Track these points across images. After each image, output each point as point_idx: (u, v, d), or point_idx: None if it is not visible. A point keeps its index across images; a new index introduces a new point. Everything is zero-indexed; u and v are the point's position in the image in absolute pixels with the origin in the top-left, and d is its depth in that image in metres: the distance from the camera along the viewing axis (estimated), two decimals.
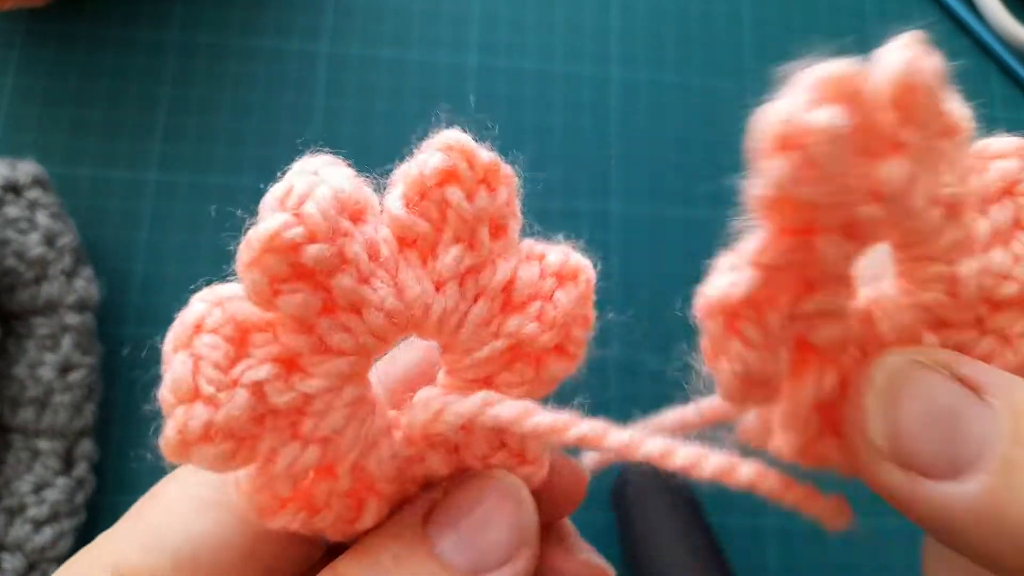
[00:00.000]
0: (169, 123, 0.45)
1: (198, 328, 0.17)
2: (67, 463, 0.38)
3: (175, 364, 0.17)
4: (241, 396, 0.17)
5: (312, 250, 0.16)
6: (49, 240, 0.38)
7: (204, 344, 0.17)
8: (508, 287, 0.19)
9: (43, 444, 0.37)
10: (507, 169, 0.19)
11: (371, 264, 0.17)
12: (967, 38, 0.52)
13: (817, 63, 0.16)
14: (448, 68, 0.48)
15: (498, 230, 0.19)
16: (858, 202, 0.16)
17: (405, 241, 0.18)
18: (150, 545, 0.19)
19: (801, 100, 0.16)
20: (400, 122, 0.46)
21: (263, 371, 0.17)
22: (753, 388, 0.17)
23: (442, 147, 0.18)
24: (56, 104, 0.44)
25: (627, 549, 0.41)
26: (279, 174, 0.19)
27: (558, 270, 0.19)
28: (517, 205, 0.19)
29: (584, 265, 0.20)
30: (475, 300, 0.18)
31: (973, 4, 0.52)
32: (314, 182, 0.17)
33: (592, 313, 0.20)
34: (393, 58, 0.47)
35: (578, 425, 0.19)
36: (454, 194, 0.18)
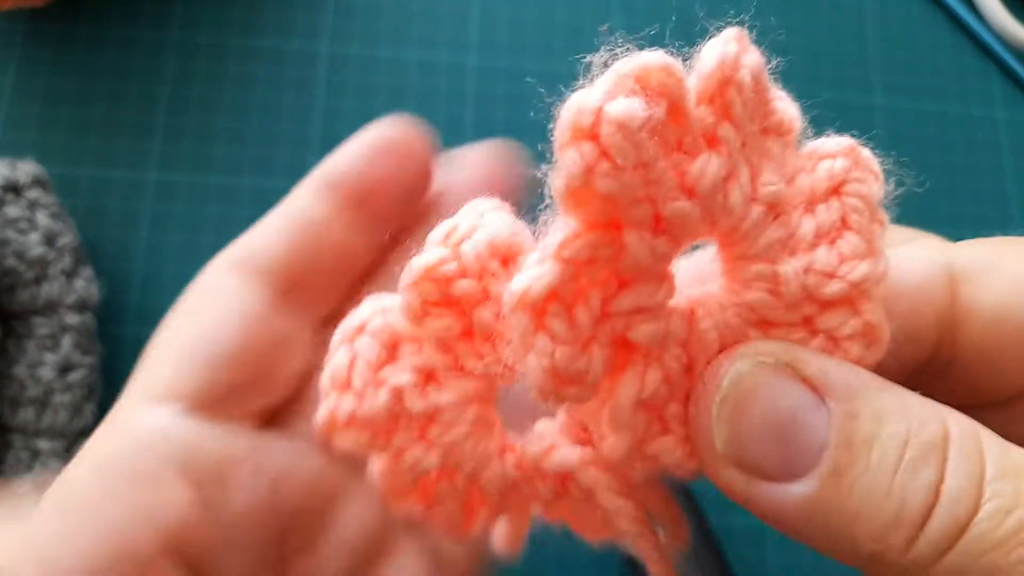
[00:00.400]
0: (169, 123, 0.45)
1: (361, 328, 0.20)
2: (67, 463, 0.38)
3: (338, 355, 0.20)
4: (383, 395, 0.19)
5: (461, 284, 0.18)
6: (49, 240, 0.38)
7: (363, 343, 0.20)
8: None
9: (43, 444, 0.37)
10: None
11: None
12: (967, 38, 0.52)
13: (632, 52, 0.16)
14: (448, 68, 0.48)
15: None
16: (668, 197, 0.16)
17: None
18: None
19: (602, 90, 0.15)
20: None
21: (405, 377, 0.19)
22: (564, 384, 0.17)
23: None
24: (56, 104, 0.44)
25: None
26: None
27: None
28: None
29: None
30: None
31: (973, 4, 0.52)
32: (475, 226, 0.19)
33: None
34: (393, 58, 0.47)
35: (633, 524, 0.20)
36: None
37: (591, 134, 0.15)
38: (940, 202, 0.49)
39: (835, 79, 0.51)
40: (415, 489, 0.20)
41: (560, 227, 0.17)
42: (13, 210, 0.38)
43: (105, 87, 0.45)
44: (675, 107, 0.16)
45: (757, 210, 0.18)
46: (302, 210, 0.25)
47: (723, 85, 0.17)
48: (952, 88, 0.52)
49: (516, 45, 0.49)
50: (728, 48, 0.17)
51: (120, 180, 0.43)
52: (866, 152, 0.19)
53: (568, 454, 0.20)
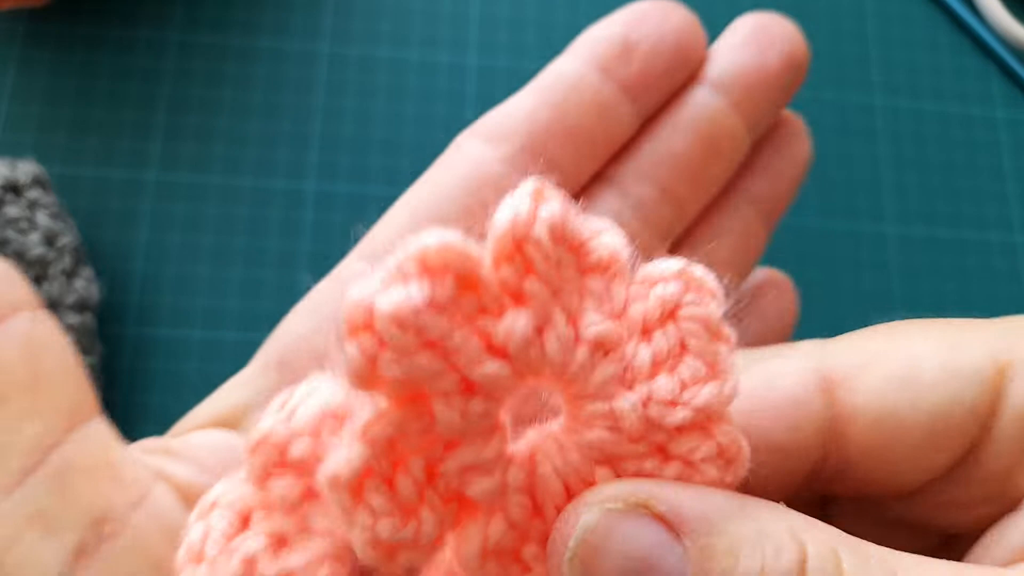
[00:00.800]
0: (169, 123, 0.45)
1: (214, 504, 0.20)
2: None
3: (193, 531, 0.20)
4: (235, 562, 0.19)
5: (297, 446, 0.19)
6: (49, 240, 0.38)
7: (215, 516, 0.20)
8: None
9: None
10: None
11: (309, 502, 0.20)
12: (967, 38, 0.52)
13: (417, 240, 0.16)
14: (448, 68, 0.48)
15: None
16: (473, 363, 0.16)
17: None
18: None
19: (377, 281, 0.16)
20: (400, 122, 0.46)
21: (256, 543, 0.20)
22: (395, 552, 0.17)
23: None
24: (56, 104, 0.44)
25: None
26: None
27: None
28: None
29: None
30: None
31: (973, 4, 0.52)
32: (310, 392, 0.20)
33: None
34: (393, 58, 0.47)
35: None
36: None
37: (367, 326, 0.16)
38: (940, 202, 0.49)
39: (835, 79, 0.51)
40: None
41: (365, 406, 0.17)
42: (13, 210, 0.38)
43: (105, 87, 0.45)
44: (465, 279, 0.16)
45: (582, 351, 0.17)
46: (558, 72, 0.25)
47: (518, 244, 0.17)
48: (952, 88, 0.52)
49: (516, 45, 0.49)
50: (520, 207, 0.17)
51: (120, 180, 0.43)
52: (698, 271, 0.19)
53: None
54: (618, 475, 0.18)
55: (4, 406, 0.18)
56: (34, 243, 0.38)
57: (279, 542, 0.20)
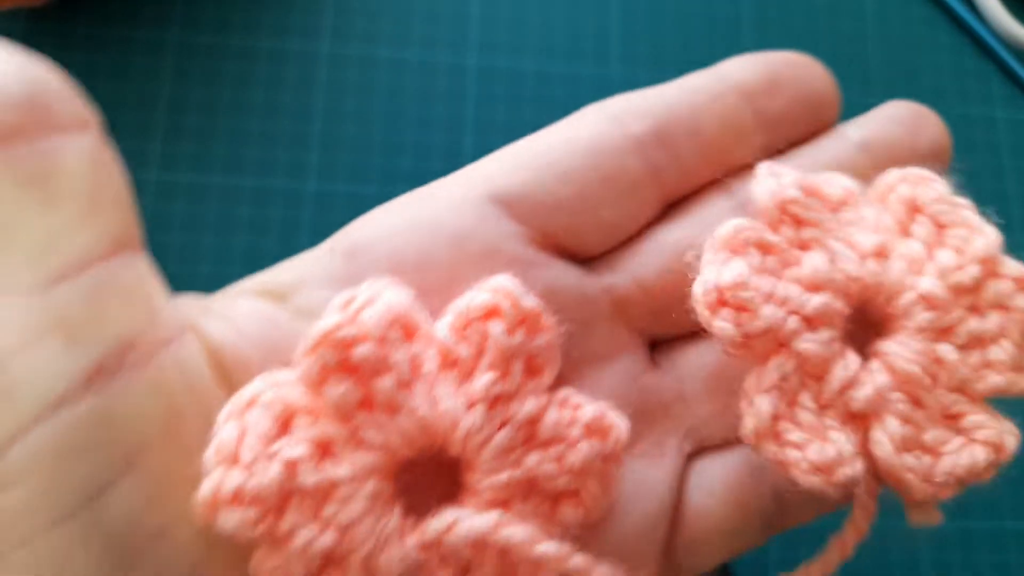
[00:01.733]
0: (169, 123, 0.45)
1: (252, 402, 0.19)
2: None
3: (224, 430, 0.19)
4: (275, 469, 0.18)
5: (360, 349, 0.19)
6: None
7: (253, 416, 0.19)
8: (534, 422, 0.20)
9: None
10: (550, 320, 0.21)
11: (412, 375, 0.20)
12: (967, 38, 0.52)
13: (717, 230, 0.22)
14: (448, 68, 0.48)
15: (533, 371, 0.21)
16: (803, 302, 0.21)
17: (447, 363, 0.20)
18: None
19: (706, 268, 0.21)
20: (400, 122, 0.46)
21: (299, 450, 0.19)
22: (832, 471, 0.20)
23: (490, 288, 0.21)
24: None
25: None
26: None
27: (589, 422, 0.21)
28: (557, 352, 0.21)
29: (617, 426, 0.21)
30: (501, 427, 0.20)
31: (973, 4, 0.52)
32: (375, 296, 0.20)
33: (615, 474, 0.21)
34: (393, 58, 0.47)
35: (575, 558, 0.20)
36: (494, 327, 0.20)
37: (720, 303, 0.20)
38: None
39: (836, 79, 0.51)
40: None
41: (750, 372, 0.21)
42: None
43: (105, 87, 0.45)
44: (764, 245, 0.22)
45: (869, 262, 0.22)
46: (700, 83, 0.25)
47: (783, 209, 0.22)
48: (952, 88, 0.52)
49: (516, 45, 0.49)
50: (770, 182, 0.22)
51: None
52: (909, 169, 0.23)
53: (477, 521, 0.19)
54: (954, 344, 0.21)
55: (59, 210, 0.17)
56: None
57: (324, 450, 0.19)
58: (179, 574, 0.18)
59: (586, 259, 0.24)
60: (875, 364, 0.21)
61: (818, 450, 0.20)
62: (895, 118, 0.27)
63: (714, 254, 0.21)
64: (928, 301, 0.21)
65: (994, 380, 0.21)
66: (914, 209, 0.22)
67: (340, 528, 0.19)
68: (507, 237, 0.23)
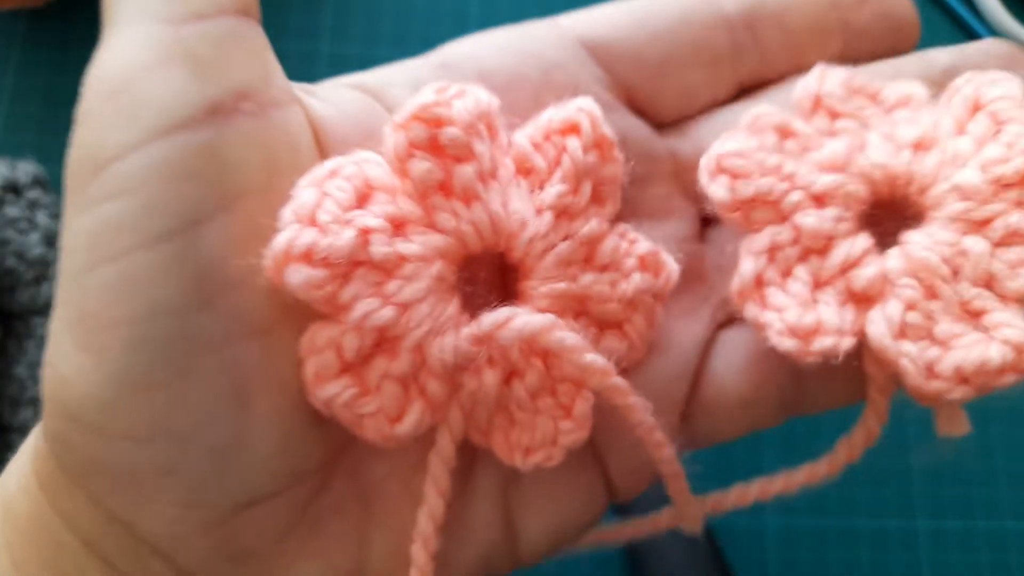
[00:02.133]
0: None
1: (333, 173, 0.19)
2: None
3: (304, 194, 0.19)
4: (348, 234, 0.19)
5: (450, 131, 0.19)
6: (49, 240, 0.38)
7: (334, 185, 0.19)
8: (594, 243, 0.21)
9: None
10: (620, 154, 0.22)
11: (491, 171, 0.20)
12: (967, 38, 0.53)
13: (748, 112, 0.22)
14: None
15: (598, 198, 0.22)
16: (812, 180, 0.21)
17: (522, 170, 0.21)
18: None
19: (722, 140, 0.22)
20: None
21: (374, 221, 0.19)
22: (811, 337, 0.20)
23: (575, 106, 0.21)
24: (56, 104, 0.44)
25: (628, 547, 0.41)
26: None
27: (644, 256, 0.22)
28: (619, 188, 0.22)
29: (670, 265, 0.22)
30: (564, 239, 0.21)
31: (973, 4, 0.52)
32: (468, 91, 0.20)
33: (660, 314, 0.22)
34: (392, 58, 0.47)
35: (615, 378, 0.20)
36: (572, 142, 0.21)
37: (720, 170, 0.22)
38: None
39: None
40: (350, 368, 0.19)
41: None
42: (13, 210, 0.38)
43: None
44: (783, 130, 0.22)
45: (905, 152, 0.22)
46: None
47: (816, 102, 0.23)
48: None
49: None
50: (808, 80, 0.23)
51: None
52: (979, 73, 0.22)
53: (532, 319, 0.19)
54: (988, 239, 0.20)
55: None
56: (34, 243, 0.38)
57: (398, 226, 0.19)
58: (249, 327, 0.19)
59: (658, 122, 0.25)
60: (893, 251, 0.21)
61: (797, 315, 0.20)
62: (990, 52, 0.26)
63: (735, 133, 0.22)
64: (962, 191, 0.20)
65: None
66: (975, 107, 0.22)
67: (400, 305, 0.19)
68: (592, 79, 0.24)
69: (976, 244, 0.20)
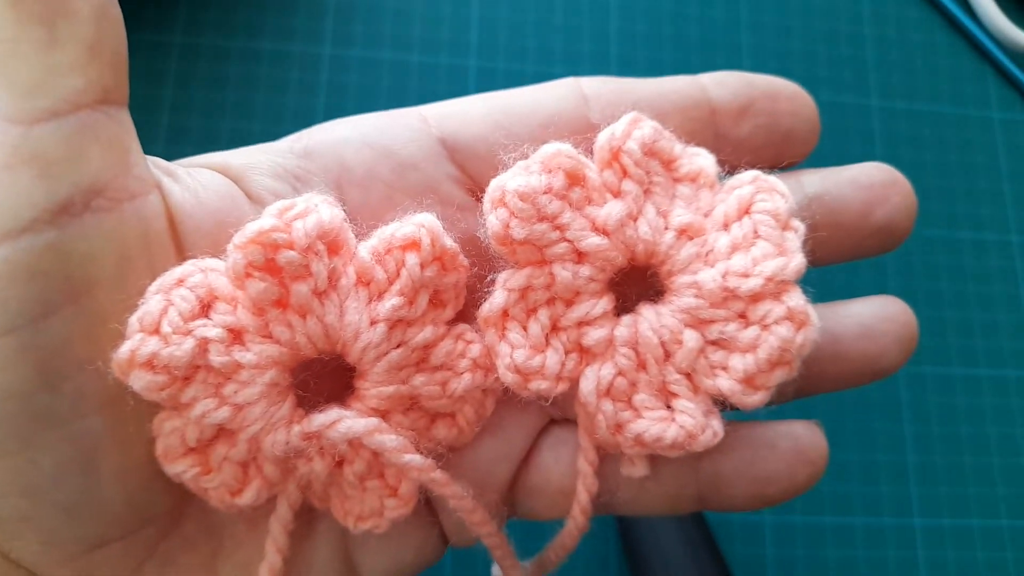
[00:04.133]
0: (172, 125, 0.45)
1: (180, 281, 0.21)
2: None
3: (152, 301, 0.21)
4: (188, 345, 0.20)
5: (286, 255, 0.21)
6: None
7: (179, 295, 0.21)
8: (428, 348, 0.23)
9: None
10: (464, 261, 0.23)
11: (328, 285, 0.22)
12: (963, 40, 0.53)
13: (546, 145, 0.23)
14: (448, 70, 0.48)
15: (438, 303, 0.23)
16: (581, 237, 0.23)
17: (362, 281, 0.22)
18: None
19: (509, 174, 0.23)
20: None
21: (213, 332, 0.21)
22: (528, 377, 0.23)
23: (415, 222, 0.23)
24: None
25: (627, 544, 0.41)
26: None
27: (477, 358, 0.24)
28: (462, 292, 0.24)
29: (502, 365, 0.24)
30: (397, 346, 0.22)
31: (969, 6, 0.53)
32: (311, 209, 0.22)
33: (489, 407, 0.25)
34: (394, 60, 0.48)
35: (436, 472, 0.23)
36: (411, 258, 0.22)
37: (501, 202, 0.22)
38: (937, 203, 0.50)
39: (832, 81, 0.51)
40: (195, 449, 0.21)
41: (507, 270, 0.24)
42: None
43: None
44: (574, 176, 0.23)
45: (670, 234, 0.23)
46: (678, 81, 0.26)
47: (614, 155, 0.23)
48: (948, 90, 0.52)
49: (515, 48, 0.49)
50: (618, 127, 0.24)
51: None
52: (771, 178, 0.24)
53: (356, 423, 0.22)
54: (704, 337, 0.23)
55: (60, 52, 0.19)
56: None
57: (235, 337, 0.21)
58: (95, 403, 0.20)
59: None
60: (627, 318, 0.24)
61: (524, 356, 0.23)
62: (862, 179, 0.26)
63: (525, 165, 0.23)
64: (699, 290, 0.23)
65: (721, 383, 0.23)
66: (745, 210, 0.23)
67: (235, 406, 0.21)
68: (445, 177, 0.25)
69: (691, 339, 0.23)
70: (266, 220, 0.21)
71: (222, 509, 0.22)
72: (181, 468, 0.21)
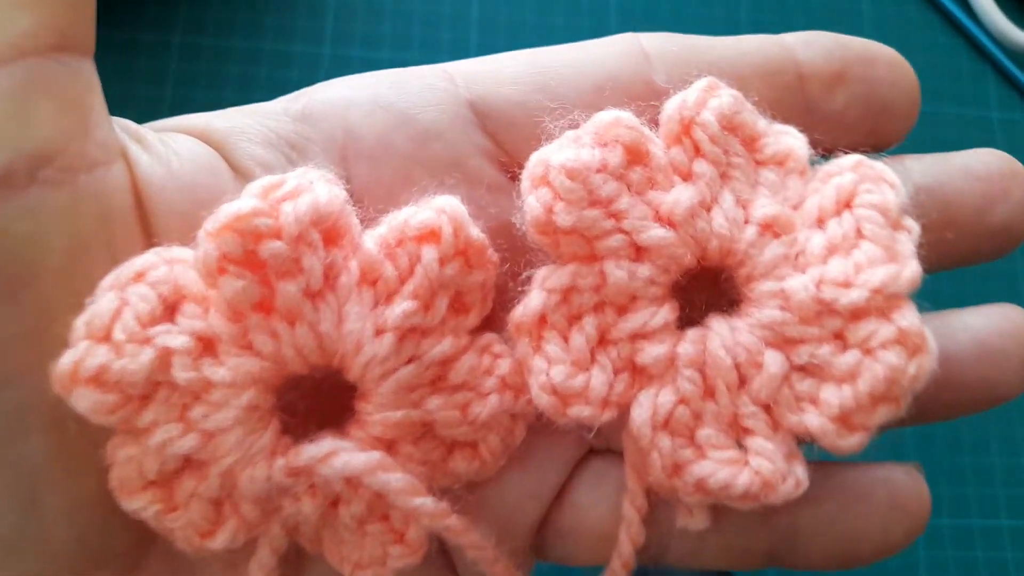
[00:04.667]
0: None
1: (139, 276, 0.17)
2: None
3: (103, 300, 0.16)
4: (146, 356, 0.16)
5: (271, 246, 0.16)
6: None
7: (137, 293, 0.16)
8: (446, 364, 0.18)
9: None
10: (493, 256, 0.19)
11: (323, 284, 0.17)
12: (963, 40, 0.53)
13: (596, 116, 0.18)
14: None
15: (460, 308, 0.19)
16: (641, 228, 0.18)
17: (367, 279, 0.18)
18: None
19: (556, 146, 0.18)
20: None
21: (178, 341, 0.16)
22: (568, 401, 0.18)
23: (435, 207, 0.18)
24: None
25: None
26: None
27: (505, 375, 0.19)
28: (490, 293, 0.19)
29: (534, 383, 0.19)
30: (408, 361, 0.18)
31: (969, 6, 0.53)
32: (303, 188, 0.17)
33: (519, 435, 0.20)
34: (394, 60, 0.48)
35: (451, 518, 0.18)
36: (428, 253, 0.18)
37: (544, 180, 0.17)
38: None
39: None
40: (157, 483, 0.17)
41: (547, 265, 0.18)
42: None
43: (109, 89, 0.45)
44: (635, 151, 0.18)
45: (751, 229, 0.18)
46: (752, 45, 0.23)
47: (686, 127, 0.18)
48: (948, 90, 0.52)
49: (515, 48, 0.49)
50: (690, 95, 0.19)
51: None
52: (877, 164, 0.19)
53: (355, 458, 0.17)
54: (790, 360, 0.18)
55: None
56: None
57: (206, 348, 0.17)
58: (37, 421, 0.16)
59: None
60: (694, 333, 0.19)
61: (564, 374, 0.18)
62: (976, 173, 0.21)
63: (575, 136, 0.18)
64: (786, 301, 0.18)
65: (809, 420, 0.18)
66: (846, 203, 0.19)
67: (205, 433, 0.17)
68: (475, 150, 0.20)
69: (774, 363, 0.18)
70: (246, 201, 0.16)
71: (190, 552, 0.18)
72: (140, 504, 0.17)
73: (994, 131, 0.51)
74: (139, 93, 0.45)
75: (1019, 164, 0.22)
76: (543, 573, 0.23)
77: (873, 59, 0.22)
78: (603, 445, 0.22)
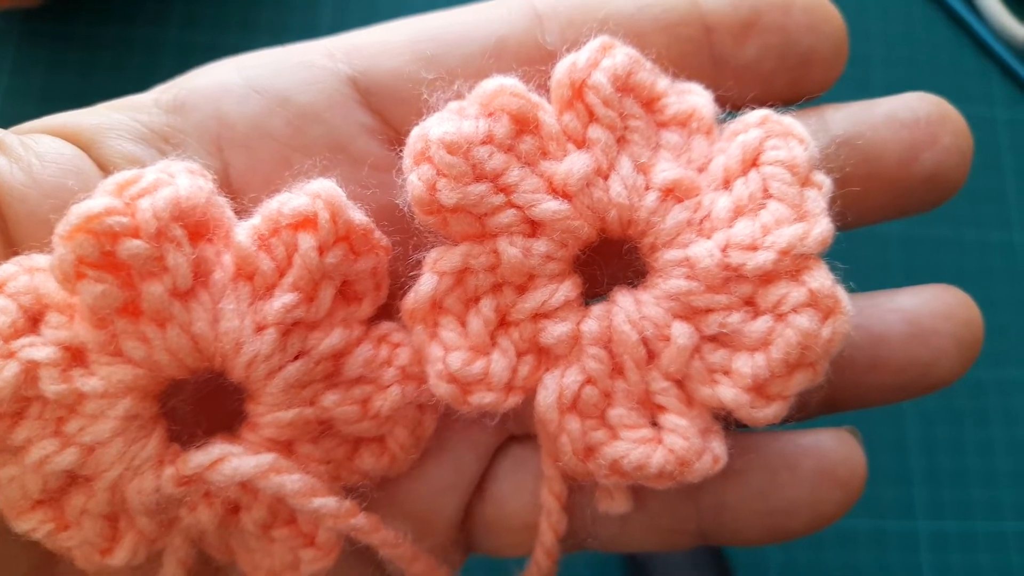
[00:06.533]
0: None
1: None
2: None
3: None
4: (10, 371, 0.15)
5: (130, 245, 0.15)
6: None
7: None
8: (339, 357, 0.17)
9: None
10: (382, 240, 0.17)
11: (193, 282, 0.16)
12: (967, 37, 0.52)
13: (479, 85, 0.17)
14: None
15: (351, 298, 0.18)
16: (533, 201, 0.17)
17: (243, 273, 0.16)
18: None
19: (435, 119, 0.17)
20: None
21: (43, 353, 0.16)
22: (468, 389, 0.17)
23: (309, 192, 0.17)
24: (53, 103, 0.44)
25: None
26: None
27: (407, 365, 0.18)
28: (383, 280, 0.18)
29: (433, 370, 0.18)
30: (296, 357, 0.17)
31: (973, 4, 0.52)
32: (162, 181, 0.16)
33: (430, 426, 0.19)
34: None
35: (357, 518, 0.18)
36: (305, 241, 0.17)
37: (425, 156, 0.16)
38: None
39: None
40: (46, 502, 0.17)
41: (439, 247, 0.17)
42: None
43: (102, 86, 0.44)
44: (522, 120, 0.17)
45: (652, 196, 0.17)
46: None
47: (577, 91, 0.17)
48: (952, 87, 0.52)
49: None
50: (581, 56, 0.17)
51: None
52: (785, 118, 0.18)
53: (245, 463, 0.17)
54: (699, 331, 0.17)
55: None
56: None
57: (75, 358, 0.16)
58: None
59: None
60: (598, 309, 0.18)
61: (462, 360, 0.17)
62: (907, 117, 0.20)
63: (457, 107, 0.17)
64: (692, 269, 0.17)
65: (723, 392, 0.17)
66: (752, 161, 0.18)
67: (84, 447, 0.16)
68: (358, 129, 0.19)
69: (682, 335, 0.17)
70: (98, 200, 0.15)
71: (92, 571, 0.17)
72: (30, 524, 0.16)
73: (998, 129, 0.51)
74: (132, 89, 0.45)
75: (950, 107, 0.20)
76: (481, 567, 0.23)
77: (788, 4, 0.20)
78: (523, 431, 0.20)
